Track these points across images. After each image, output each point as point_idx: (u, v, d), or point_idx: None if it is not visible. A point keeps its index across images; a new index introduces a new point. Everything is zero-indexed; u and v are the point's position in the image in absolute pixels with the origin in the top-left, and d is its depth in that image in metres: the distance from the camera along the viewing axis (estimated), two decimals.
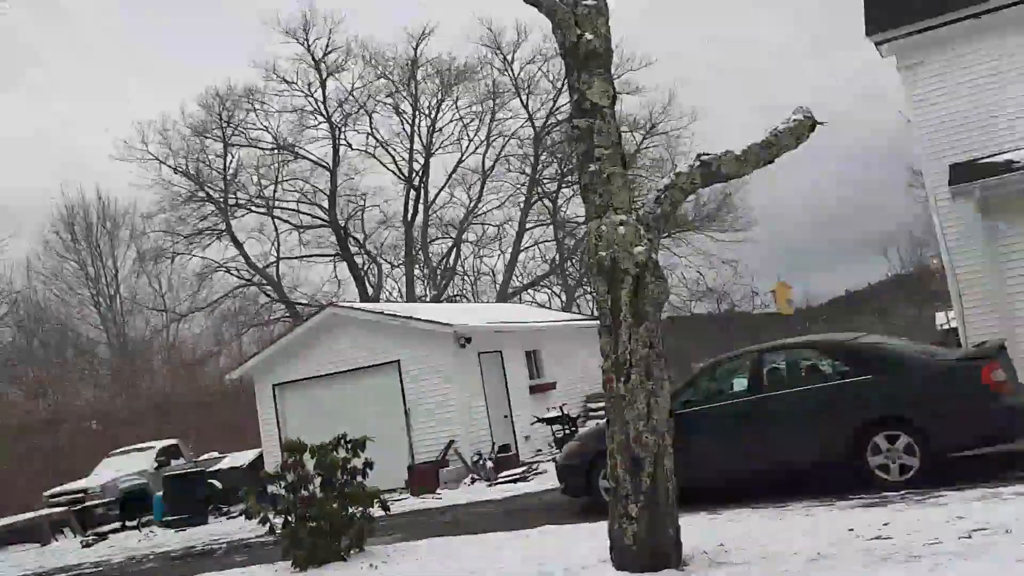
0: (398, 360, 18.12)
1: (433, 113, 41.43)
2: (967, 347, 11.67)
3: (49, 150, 54.02)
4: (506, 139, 41.65)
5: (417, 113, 41.32)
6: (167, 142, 39.29)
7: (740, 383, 10.65)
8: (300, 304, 39.97)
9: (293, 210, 40.99)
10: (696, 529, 7.88)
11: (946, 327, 23.12)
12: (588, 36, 7.43)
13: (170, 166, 39.20)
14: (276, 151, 40.22)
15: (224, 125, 39.46)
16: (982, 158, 13.42)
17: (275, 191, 40.42)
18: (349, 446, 10.28)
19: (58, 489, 21.63)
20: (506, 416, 19.01)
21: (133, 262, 41.42)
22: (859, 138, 52.47)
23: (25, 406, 36.22)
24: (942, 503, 7.65)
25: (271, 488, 10.86)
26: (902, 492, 8.55)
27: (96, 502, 20.41)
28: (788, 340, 11.79)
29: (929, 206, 14.29)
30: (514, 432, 19.02)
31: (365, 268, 41.52)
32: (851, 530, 7.06)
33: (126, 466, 22.23)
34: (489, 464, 16.83)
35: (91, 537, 18.20)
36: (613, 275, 7.11)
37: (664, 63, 63.74)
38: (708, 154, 7.65)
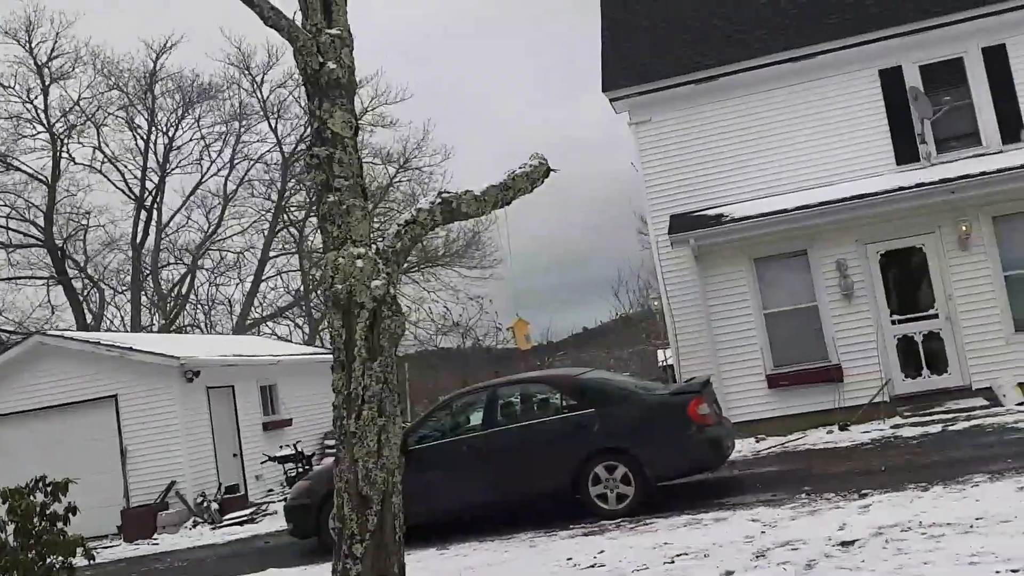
0: (115, 395, 16.69)
1: (171, 130, 39.12)
2: (679, 382, 12.68)
3: None
4: (252, 163, 40.18)
5: (154, 129, 38.83)
6: None
7: (476, 417, 10.84)
8: (5, 331, 35.73)
9: (2, 227, 36.81)
10: (425, 565, 7.86)
11: (665, 363, 25.12)
12: (331, 65, 7.31)
13: None
14: None
15: None
16: (699, 210, 14.82)
17: None
18: (49, 489, 9.25)
19: None
20: (235, 455, 18.07)
21: None
22: (600, 184, 56.14)
23: None
24: (652, 530, 8.17)
25: None
26: (618, 520, 9.04)
27: None
28: (521, 375, 12.19)
29: (652, 252, 15.53)
30: (244, 472, 18.11)
31: (85, 293, 38.03)
32: (570, 559, 7.34)
33: None
34: (214, 506, 15.87)
35: None
36: (349, 308, 6.97)
37: (421, 100, 64.88)
38: (449, 192, 7.75)
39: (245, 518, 15.25)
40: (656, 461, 9.46)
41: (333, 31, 7.44)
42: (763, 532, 7.19)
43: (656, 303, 25.65)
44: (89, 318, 36.86)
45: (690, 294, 14.75)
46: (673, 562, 6.67)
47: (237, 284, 40.84)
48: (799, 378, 14.04)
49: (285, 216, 40.19)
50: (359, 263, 7.00)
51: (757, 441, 13.25)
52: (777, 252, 14.40)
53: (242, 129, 39.76)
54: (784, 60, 14.82)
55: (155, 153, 39.02)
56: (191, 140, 39.54)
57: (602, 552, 7.40)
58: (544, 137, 57.45)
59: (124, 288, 38.68)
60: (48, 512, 9.16)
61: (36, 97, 36.54)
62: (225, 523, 15.16)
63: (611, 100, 15.51)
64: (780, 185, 14.68)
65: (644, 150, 15.45)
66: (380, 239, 7.67)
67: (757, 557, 6.42)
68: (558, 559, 7.42)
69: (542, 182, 8.35)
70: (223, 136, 39.58)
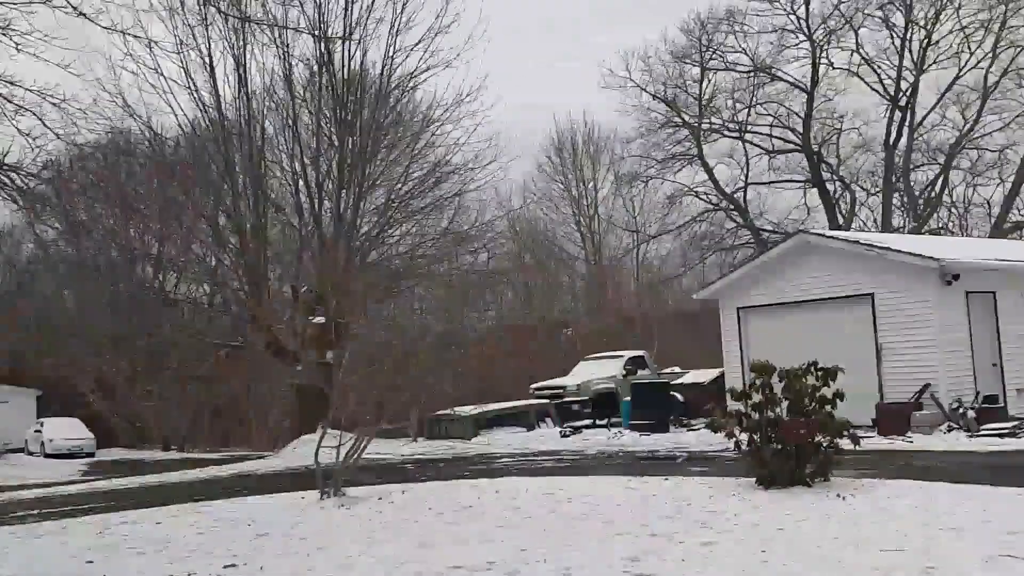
0: (871, 294, 17.16)
1: (930, 25, 37.26)
2: None
3: (542, 80, 59.48)
4: (1018, 50, 35.99)
5: (911, 25, 37.51)
6: (649, 69, 40.75)
7: None
8: (764, 231, 39.46)
9: (765, 134, 40.27)
10: None
11: None
12: None
13: (650, 92, 40.69)
14: (752, 74, 39.57)
15: (703, 49, 39.78)
16: None
17: (748, 115, 40.00)
18: (819, 374, 10.05)
19: (542, 384, 24.57)
20: (995, 365, 17.03)
21: (611, 185, 44.42)
22: None
23: (516, 311, 41.64)
24: None
25: (733, 406, 11.06)
26: None
27: (572, 399, 22.71)
28: None
29: None
30: (1004, 383, 16.99)
31: (836, 196, 39.50)
32: None
33: (598, 371, 24.34)
34: (971, 414, 15.31)
35: (568, 429, 20.33)
36: None
37: None
38: None
39: (1005, 431, 14.37)
40: None
41: None
42: None
43: None
44: (840, 219, 38.28)
45: None
46: None
47: (997, 185, 37.75)
48: None
49: None
50: None
51: None
52: None
53: (1008, 12, 35.73)
54: None
55: (910, 51, 37.83)
56: (950, 32, 37.09)
57: None
58: None
59: (876, 190, 39.06)
60: (818, 395, 10.00)
61: (799, 7, 38.43)
62: (982, 433, 14.52)
63: None
64: None
65: None
66: None
67: None
68: None
69: None
70: (985, 24, 36.16)
